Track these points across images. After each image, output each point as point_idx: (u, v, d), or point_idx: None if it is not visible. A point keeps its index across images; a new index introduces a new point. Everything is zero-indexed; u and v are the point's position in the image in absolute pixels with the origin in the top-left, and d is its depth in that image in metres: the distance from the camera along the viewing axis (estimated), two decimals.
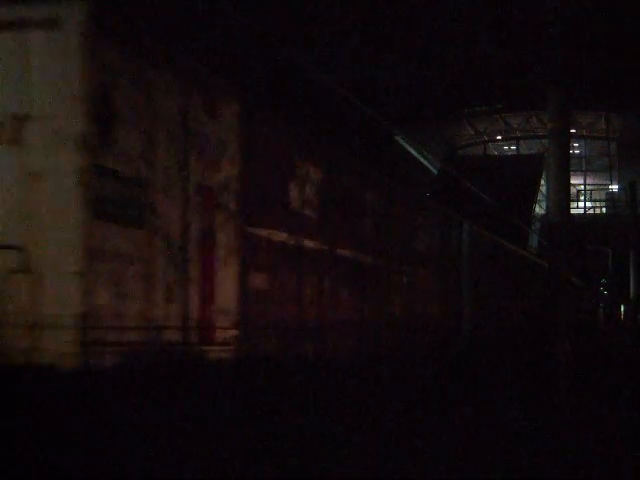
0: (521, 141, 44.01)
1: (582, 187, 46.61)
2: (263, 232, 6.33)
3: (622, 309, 47.84)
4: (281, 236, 6.59)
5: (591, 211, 46.03)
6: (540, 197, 38.37)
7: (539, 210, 39.56)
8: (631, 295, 38.34)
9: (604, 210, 46.03)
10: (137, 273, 4.77)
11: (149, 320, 4.84)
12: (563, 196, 15.05)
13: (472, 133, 42.12)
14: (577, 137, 41.17)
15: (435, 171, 37.96)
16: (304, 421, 6.61)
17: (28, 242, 4.43)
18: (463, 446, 8.27)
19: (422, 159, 36.98)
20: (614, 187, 47.13)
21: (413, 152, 35.51)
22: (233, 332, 5.77)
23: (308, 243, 7.08)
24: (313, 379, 6.88)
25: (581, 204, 45.66)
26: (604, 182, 47.87)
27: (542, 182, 36.92)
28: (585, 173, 46.47)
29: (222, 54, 14.77)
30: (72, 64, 4.43)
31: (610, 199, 46.62)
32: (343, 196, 7.86)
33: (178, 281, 5.16)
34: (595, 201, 47.27)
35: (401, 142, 33.30)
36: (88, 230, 4.40)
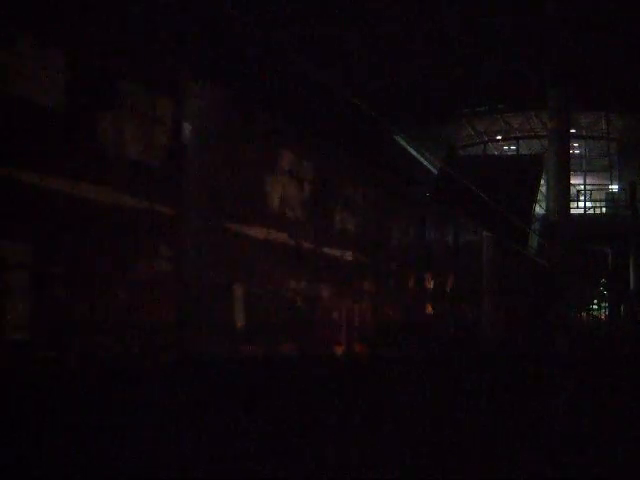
0: (521, 141, 43.98)
1: (582, 187, 46.58)
2: None
3: (622, 309, 47.87)
4: None
5: (591, 211, 45.98)
6: (540, 197, 38.37)
7: (539, 210, 39.57)
8: (631, 294, 38.23)
9: (604, 210, 45.96)
10: None
11: None
12: (563, 196, 14.98)
13: (472, 133, 42.12)
14: (577, 137, 41.13)
15: (435, 171, 37.97)
16: None
17: None
18: None
19: (422, 159, 37.00)
20: (614, 187, 47.08)
21: (413, 152, 35.53)
22: None
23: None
24: None
25: (581, 204, 45.59)
26: (604, 182, 47.81)
27: (542, 182, 36.92)
28: (585, 173, 46.43)
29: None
30: None
31: (610, 199, 46.55)
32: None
33: None
34: (595, 201, 47.20)
35: (401, 142, 33.35)
36: None
